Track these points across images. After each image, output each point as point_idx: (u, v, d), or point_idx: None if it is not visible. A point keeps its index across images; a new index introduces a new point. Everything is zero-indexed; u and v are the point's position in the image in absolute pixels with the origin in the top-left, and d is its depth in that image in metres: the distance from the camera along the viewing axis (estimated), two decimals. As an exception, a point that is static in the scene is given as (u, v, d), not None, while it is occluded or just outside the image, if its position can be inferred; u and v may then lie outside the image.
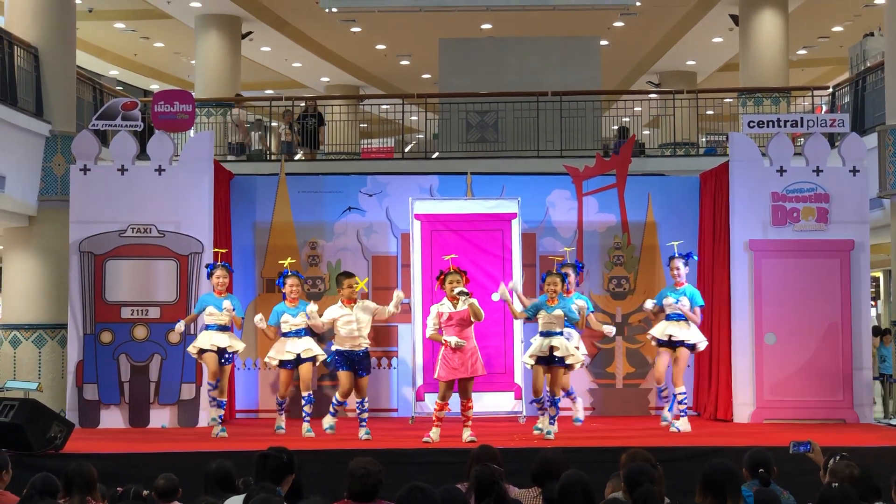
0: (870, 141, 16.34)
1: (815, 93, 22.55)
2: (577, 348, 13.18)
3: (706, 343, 13.53)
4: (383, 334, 15.45)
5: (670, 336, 13.18)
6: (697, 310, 13.30)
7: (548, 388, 12.60)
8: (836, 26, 28.02)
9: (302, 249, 15.62)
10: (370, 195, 15.84)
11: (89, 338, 14.21)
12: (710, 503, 6.30)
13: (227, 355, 13.16)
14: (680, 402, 13.20)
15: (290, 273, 13.32)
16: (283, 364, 13.27)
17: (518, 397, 14.68)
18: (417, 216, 14.89)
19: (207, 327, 13.12)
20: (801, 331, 14.24)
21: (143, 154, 15.05)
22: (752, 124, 14.93)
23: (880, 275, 27.19)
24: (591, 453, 11.10)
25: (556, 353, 12.43)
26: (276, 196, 15.79)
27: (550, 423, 12.55)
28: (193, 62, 27.08)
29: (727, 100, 23.58)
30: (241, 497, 6.97)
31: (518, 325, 14.63)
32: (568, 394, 13.68)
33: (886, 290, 27.26)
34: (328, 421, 12.83)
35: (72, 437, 11.55)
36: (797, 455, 8.59)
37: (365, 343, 12.66)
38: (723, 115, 24.02)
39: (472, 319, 12.21)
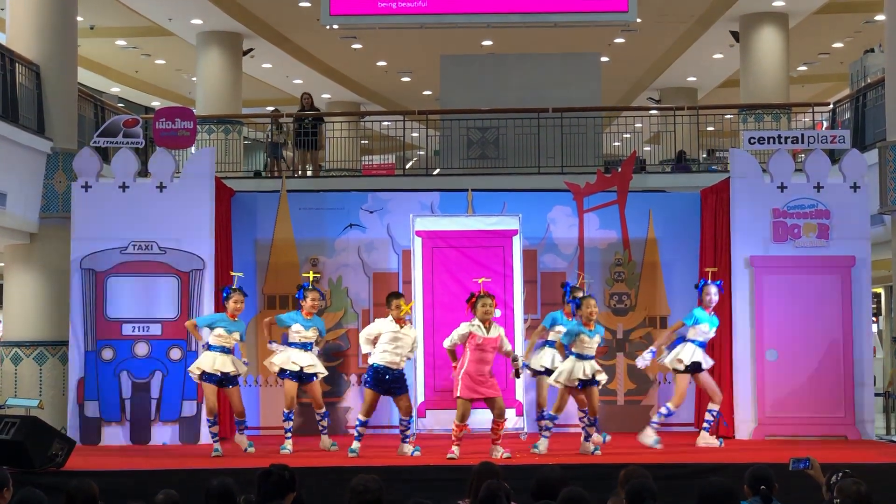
0: (870, 157, 16.36)
1: (816, 109, 22.60)
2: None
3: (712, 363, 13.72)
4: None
5: (699, 364, 13.42)
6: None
7: (588, 408, 12.95)
8: (837, 42, 28.10)
9: (303, 266, 15.61)
10: (371, 212, 15.85)
11: (90, 355, 14.20)
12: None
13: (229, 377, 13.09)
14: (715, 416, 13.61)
15: (312, 287, 13.40)
16: (282, 373, 13.32)
17: (519, 413, 14.66)
18: (418, 233, 14.90)
19: (210, 348, 13.07)
20: (803, 347, 14.22)
21: (144, 171, 15.10)
22: (752, 140, 14.95)
23: (881, 291, 27.17)
24: (591, 470, 11.10)
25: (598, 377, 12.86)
26: (277, 213, 15.81)
27: (586, 440, 12.91)
28: (195, 79, 27.14)
29: (728, 116, 23.65)
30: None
31: (519, 342, 14.62)
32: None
33: (888, 306, 27.24)
34: (354, 446, 12.70)
35: (73, 454, 11.55)
36: (798, 472, 8.60)
37: (403, 363, 12.73)
38: (723, 131, 24.07)
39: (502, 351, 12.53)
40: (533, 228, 15.47)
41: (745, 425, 14.26)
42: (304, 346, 13.33)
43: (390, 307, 12.75)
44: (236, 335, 13.06)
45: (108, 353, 14.18)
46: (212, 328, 13.04)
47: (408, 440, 12.73)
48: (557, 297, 15.31)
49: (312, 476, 10.72)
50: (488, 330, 12.26)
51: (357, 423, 12.77)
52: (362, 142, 27.69)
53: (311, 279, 13.59)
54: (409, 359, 12.92)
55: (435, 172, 22.87)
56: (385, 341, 12.62)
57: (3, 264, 18.06)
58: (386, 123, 28.13)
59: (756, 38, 24.30)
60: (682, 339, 13.59)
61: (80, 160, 14.69)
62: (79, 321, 14.26)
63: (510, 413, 14.67)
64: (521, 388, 14.66)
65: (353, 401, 15.45)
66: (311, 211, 15.90)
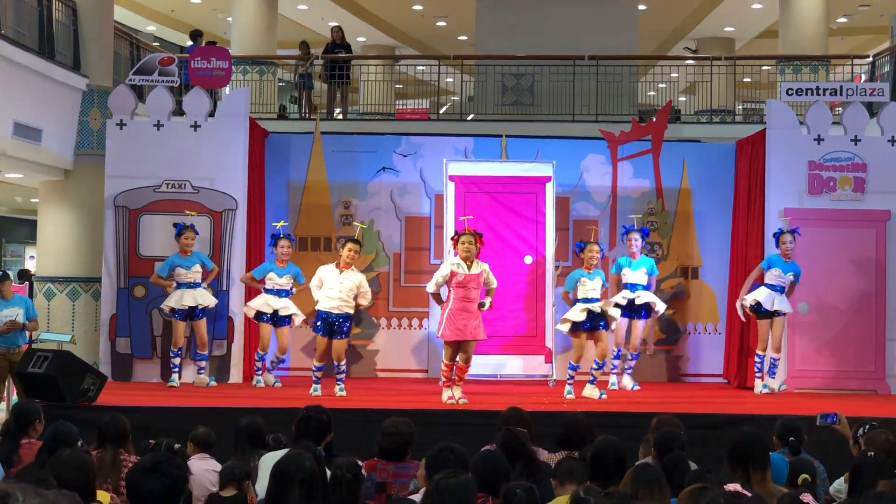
0: (909, 111, 16.16)
1: (855, 61, 22.37)
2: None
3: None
4: (415, 296, 15.46)
5: (777, 310, 13.58)
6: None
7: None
8: (878, -6, 27.73)
9: (335, 209, 15.63)
10: (405, 156, 15.81)
11: (123, 292, 14.30)
12: (740, 475, 6.31)
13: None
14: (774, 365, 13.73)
15: (281, 234, 13.79)
16: (259, 317, 13.75)
17: (548, 361, 14.67)
18: (452, 177, 14.87)
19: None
20: (835, 301, 14.18)
21: (179, 110, 15.12)
22: (790, 92, 14.82)
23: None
24: (620, 418, 11.12)
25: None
26: (310, 155, 15.80)
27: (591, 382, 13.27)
28: (230, 19, 27.03)
29: (765, 67, 23.40)
30: (276, 453, 7.02)
31: (550, 288, 14.62)
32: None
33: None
34: (315, 391, 12.85)
35: (104, 389, 11.65)
36: (825, 426, 8.60)
37: (347, 308, 12.75)
38: (760, 82, 23.84)
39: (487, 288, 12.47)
40: (566, 176, 15.41)
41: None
42: (279, 293, 13.71)
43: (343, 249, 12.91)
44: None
45: (140, 291, 14.28)
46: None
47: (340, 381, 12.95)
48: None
49: (343, 417, 10.77)
50: (469, 267, 12.24)
51: (313, 368, 13.02)
52: (396, 86, 27.54)
53: (278, 226, 13.98)
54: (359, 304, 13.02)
55: (469, 118, 22.80)
56: (326, 286, 12.79)
57: (37, 200, 18.13)
58: (420, 68, 28.00)
59: (796, -12, 24.00)
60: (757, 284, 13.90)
61: (115, 98, 14.73)
62: (112, 258, 14.35)
63: (539, 360, 14.72)
64: (552, 336, 14.66)
65: (383, 343, 15.52)
66: (344, 153, 15.87)
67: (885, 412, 11.54)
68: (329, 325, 12.66)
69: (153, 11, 30.95)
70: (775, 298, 13.53)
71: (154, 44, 26.17)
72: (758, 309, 13.62)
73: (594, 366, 13.18)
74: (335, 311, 12.64)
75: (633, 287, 13.97)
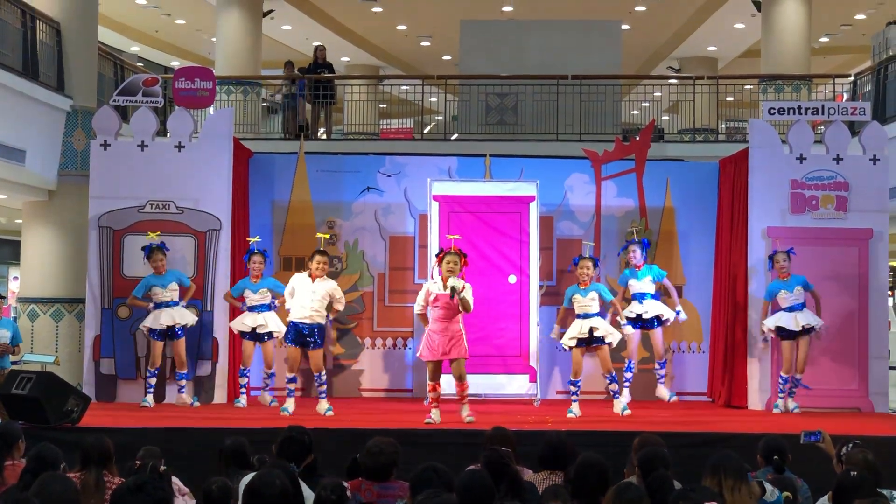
0: (891, 129, 16.29)
1: (837, 81, 22.47)
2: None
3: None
4: (399, 315, 15.48)
5: (804, 327, 13.56)
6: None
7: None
8: (859, 14, 27.87)
9: (320, 228, 15.61)
10: (388, 175, 15.82)
11: (107, 312, 14.25)
12: (711, 481, 6.43)
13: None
14: (796, 385, 13.77)
15: (255, 250, 13.80)
16: (241, 335, 13.82)
17: (533, 380, 14.68)
18: (436, 197, 14.89)
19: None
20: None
21: (163, 130, 15.12)
22: (772, 111, 14.88)
23: (898, 264, 27.07)
24: (603, 437, 11.12)
25: (596, 333, 13.00)
26: (294, 175, 15.81)
27: (615, 397, 13.33)
28: (214, 40, 27.06)
29: (748, 86, 23.51)
30: (254, 474, 6.98)
31: (534, 308, 14.64)
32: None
33: (904, 279, 27.15)
34: (287, 404, 12.88)
35: (88, 411, 11.61)
36: (809, 444, 8.63)
37: (319, 318, 12.78)
38: (743, 101, 23.95)
39: (461, 310, 12.32)
40: (550, 195, 15.43)
41: (758, 396, 14.26)
42: (253, 309, 13.69)
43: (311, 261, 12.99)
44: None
45: (124, 312, 14.23)
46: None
47: (323, 396, 12.93)
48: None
49: (327, 437, 10.77)
50: (445, 286, 12.21)
51: (286, 380, 13.04)
52: (380, 105, 27.60)
53: (252, 242, 14.01)
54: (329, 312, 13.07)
55: (453, 137, 22.84)
56: (298, 295, 12.85)
57: (21, 221, 18.10)
58: (404, 87, 28.06)
59: (778, 8, 24.06)
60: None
61: (99, 118, 14.71)
62: (95, 279, 14.30)
63: (524, 379, 14.72)
64: (536, 355, 14.67)
65: (367, 363, 15.52)
66: (328, 173, 15.88)
67: (869, 430, 11.59)
68: (301, 336, 12.71)
69: (137, 32, 30.98)
70: (797, 316, 13.56)
71: (138, 64, 26.18)
72: (782, 331, 13.66)
73: (607, 381, 13.32)
74: (307, 322, 12.69)
75: (640, 297, 14.02)
